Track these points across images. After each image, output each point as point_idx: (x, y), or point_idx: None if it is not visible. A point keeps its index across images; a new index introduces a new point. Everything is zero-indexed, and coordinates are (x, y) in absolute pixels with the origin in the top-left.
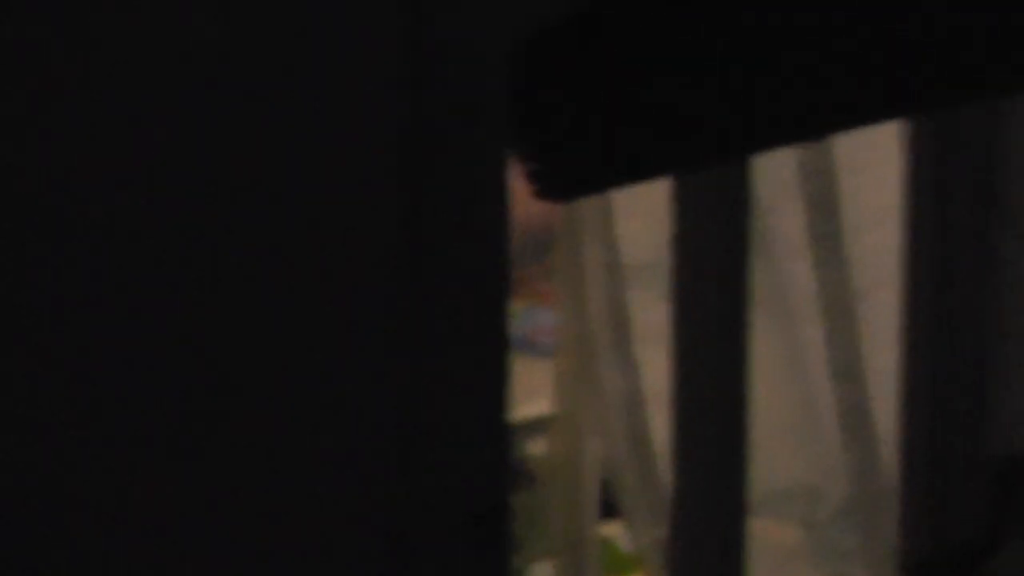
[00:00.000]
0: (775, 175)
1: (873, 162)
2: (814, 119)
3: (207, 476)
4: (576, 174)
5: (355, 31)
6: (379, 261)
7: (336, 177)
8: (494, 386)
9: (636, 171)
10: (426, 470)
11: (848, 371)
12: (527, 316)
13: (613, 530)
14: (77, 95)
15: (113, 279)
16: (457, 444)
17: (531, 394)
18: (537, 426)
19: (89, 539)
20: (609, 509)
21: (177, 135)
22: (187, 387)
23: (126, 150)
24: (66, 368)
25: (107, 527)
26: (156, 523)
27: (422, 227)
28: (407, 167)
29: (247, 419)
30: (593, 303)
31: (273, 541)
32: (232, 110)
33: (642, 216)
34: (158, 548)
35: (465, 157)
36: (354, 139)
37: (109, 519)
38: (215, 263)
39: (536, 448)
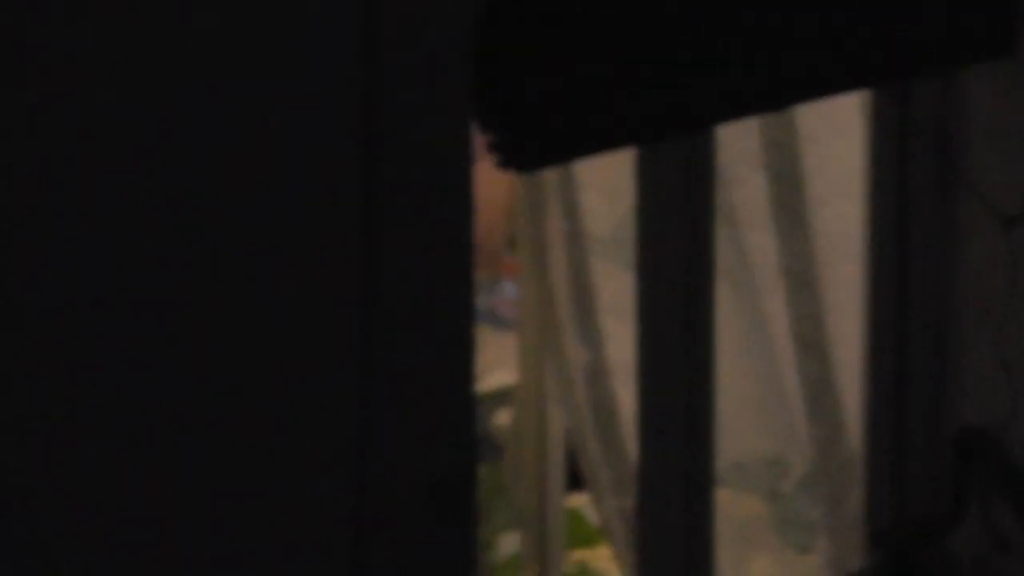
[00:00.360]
0: (738, 147)
1: (836, 134)
2: (775, 89)
3: (172, 455)
4: (537, 146)
5: (313, 10)
6: (341, 234)
7: (296, 145)
8: (459, 358)
9: (597, 142)
10: (390, 442)
11: (812, 343)
12: (491, 289)
13: (579, 501)
14: (29, 92)
15: (61, 279)
16: (422, 416)
17: (496, 366)
18: (502, 397)
19: (65, 530)
20: (575, 481)
21: (129, 129)
22: (152, 366)
23: (85, 147)
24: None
25: (79, 524)
26: (115, 493)
27: (384, 199)
28: (368, 139)
29: (209, 393)
30: (556, 275)
31: (237, 514)
32: (187, 107)
33: (605, 188)
34: (120, 521)
35: (427, 128)
36: (313, 107)
37: (81, 516)
38: (177, 254)
39: (501, 419)
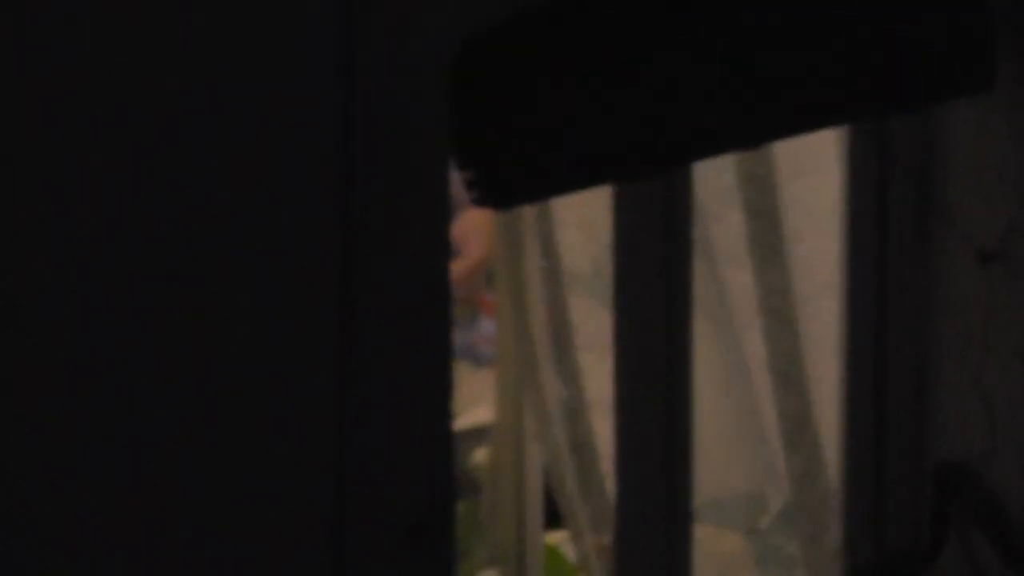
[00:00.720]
0: (715, 183)
1: (813, 169)
2: (753, 125)
3: (147, 491)
4: (515, 183)
5: (291, 42)
6: (317, 268)
7: (274, 185)
8: (437, 395)
9: (575, 179)
10: (367, 480)
11: (789, 377)
12: (469, 325)
13: (557, 538)
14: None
15: (39, 281)
16: (400, 453)
17: (473, 402)
18: (479, 434)
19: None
20: (553, 517)
21: (111, 133)
22: (123, 393)
23: (68, 147)
24: None
25: (66, 526)
26: (101, 535)
27: (362, 235)
28: (345, 173)
29: (181, 431)
30: (534, 311)
31: (217, 551)
32: (166, 114)
33: (582, 224)
34: (105, 556)
35: (404, 166)
36: (292, 147)
37: (67, 518)
38: (156, 264)
39: (479, 456)
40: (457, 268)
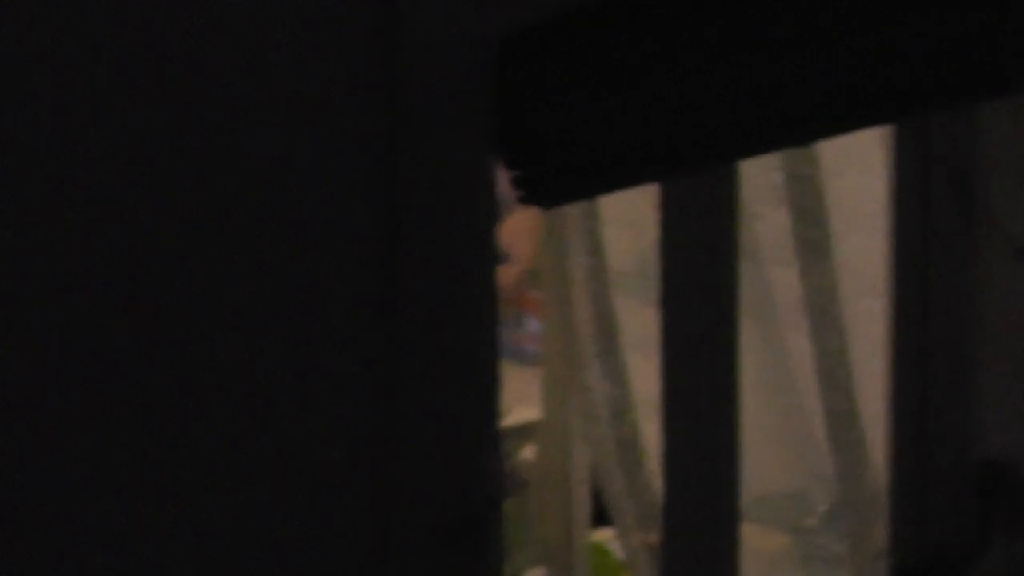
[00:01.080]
0: (761, 180)
1: (858, 167)
2: (800, 123)
3: (192, 493)
4: (561, 181)
5: (332, 38)
6: (363, 268)
7: (318, 186)
8: (485, 393)
9: (621, 177)
10: (414, 478)
11: (835, 377)
12: (514, 324)
13: (604, 536)
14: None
15: (81, 279)
16: (446, 452)
17: (519, 400)
18: (526, 433)
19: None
20: (600, 516)
21: (153, 135)
22: (168, 392)
23: (109, 152)
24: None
25: (95, 535)
26: (144, 538)
27: (406, 232)
28: (389, 173)
29: (230, 423)
30: (580, 310)
31: (259, 549)
32: (205, 116)
33: (628, 222)
34: (148, 560)
35: (450, 160)
36: (334, 147)
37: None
38: (199, 268)
39: (525, 454)
40: (506, 273)
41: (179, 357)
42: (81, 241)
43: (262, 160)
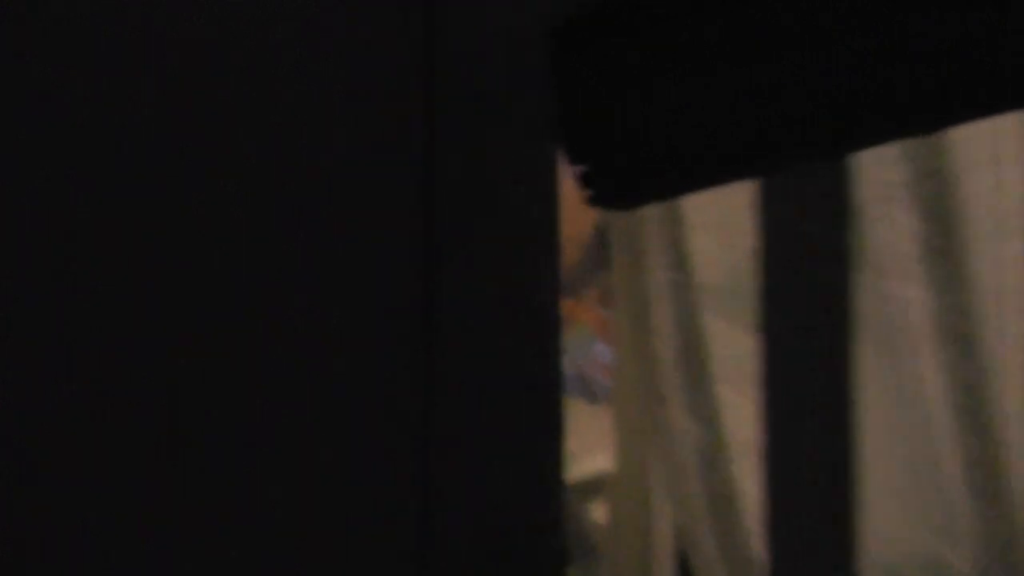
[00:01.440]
0: (880, 177)
1: (1000, 160)
2: (926, 107)
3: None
4: (636, 178)
5: (374, 34)
6: (402, 286)
7: (356, 192)
8: (544, 437)
9: (709, 174)
10: (462, 541)
11: (974, 415)
12: (579, 349)
13: None
14: (76, 96)
15: (126, 282)
16: (498, 512)
17: (587, 447)
18: (595, 485)
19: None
20: None
21: (192, 139)
22: (206, 398)
23: (152, 155)
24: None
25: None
26: (181, 539)
27: (449, 245)
28: (433, 174)
29: (273, 454)
30: (660, 334)
31: None
32: (244, 116)
33: (719, 228)
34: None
35: (499, 164)
36: (374, 148)
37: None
38: (237, 274)
39: (596, 513)
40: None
41: (212, 367)
42: (116, 246)
43: (304, 166)
